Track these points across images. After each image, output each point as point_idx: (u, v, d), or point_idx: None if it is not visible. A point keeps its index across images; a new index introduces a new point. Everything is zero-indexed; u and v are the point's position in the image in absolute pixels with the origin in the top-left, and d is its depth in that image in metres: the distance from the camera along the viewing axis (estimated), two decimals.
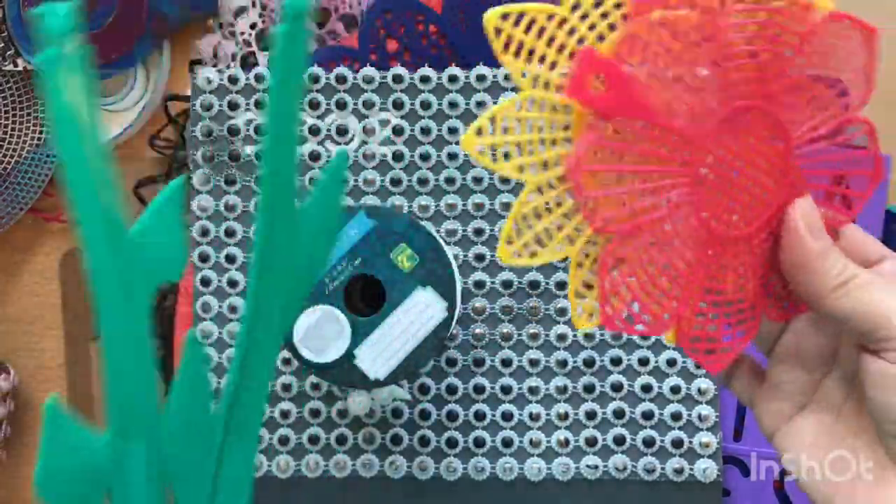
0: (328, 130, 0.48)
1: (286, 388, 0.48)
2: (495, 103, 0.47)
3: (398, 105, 0.48)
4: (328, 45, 0.50)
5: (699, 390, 0.46)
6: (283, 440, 0.48)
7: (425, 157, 0.48)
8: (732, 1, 0.27)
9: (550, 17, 0.26)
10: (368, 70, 0.48)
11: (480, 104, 0.47)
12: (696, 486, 0.46)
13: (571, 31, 0.26)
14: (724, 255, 0.28)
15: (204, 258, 0.48)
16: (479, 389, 0.47)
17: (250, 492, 0.28)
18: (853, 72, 0.29)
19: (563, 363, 0.47)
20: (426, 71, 0.48)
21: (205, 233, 0.48)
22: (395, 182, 0.48)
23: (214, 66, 0.50)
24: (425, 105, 0.48)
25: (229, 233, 0.48)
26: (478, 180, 0.48)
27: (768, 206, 0.28)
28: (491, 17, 0.25)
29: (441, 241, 0.44)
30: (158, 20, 0.50)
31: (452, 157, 0.48)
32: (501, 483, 0.47)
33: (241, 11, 0.51)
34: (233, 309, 0.48)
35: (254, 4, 0.51)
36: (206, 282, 0.48)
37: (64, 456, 0.26)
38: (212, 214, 0.48)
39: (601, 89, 0.25)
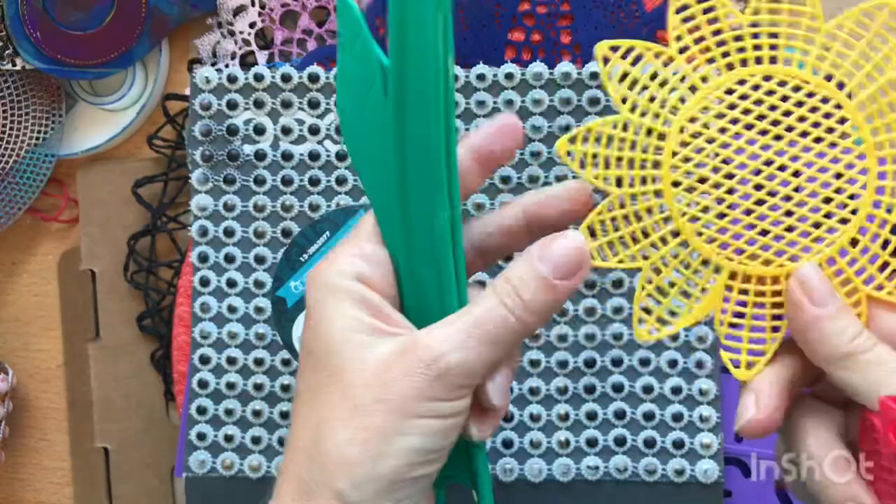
0: (328, 130, 0.48)
1: (285, 388, 0.48)
2: (495, 103, 0.47)
3: None
4: (328, 45, 0.50)
5: (700, 391, 0.46)
6: (283, 441, 0.47)
7: None
8: None
9: (657, 55, 0.29)
10: None
11: (481, 104, 0.47)
12: (697, 486, 0.46)
13: (676, 71, 0.29)
14: None
15: (203, 258, 0.48)
16: None
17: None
18: None
19: (564, 363, 0.47)
20: None
21: (204, 233, 0.48)
22: None
23: (213, 65, 0.50)
24: None
25: (228, 233, 0.48)
26: None
27: None
28: (600, 47, 0.29)
29: None
30: (157, 19, 0.50)
31: None
32: (501, 484, 0.47)
33: (240, 10, 0.51)
34: (232, 309, 0.48)
35: (253, 3, 0.51)
36: (205, 282, 0.48)
37: (355, 59, 0.29)
38: (211, 214, 0.48)
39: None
